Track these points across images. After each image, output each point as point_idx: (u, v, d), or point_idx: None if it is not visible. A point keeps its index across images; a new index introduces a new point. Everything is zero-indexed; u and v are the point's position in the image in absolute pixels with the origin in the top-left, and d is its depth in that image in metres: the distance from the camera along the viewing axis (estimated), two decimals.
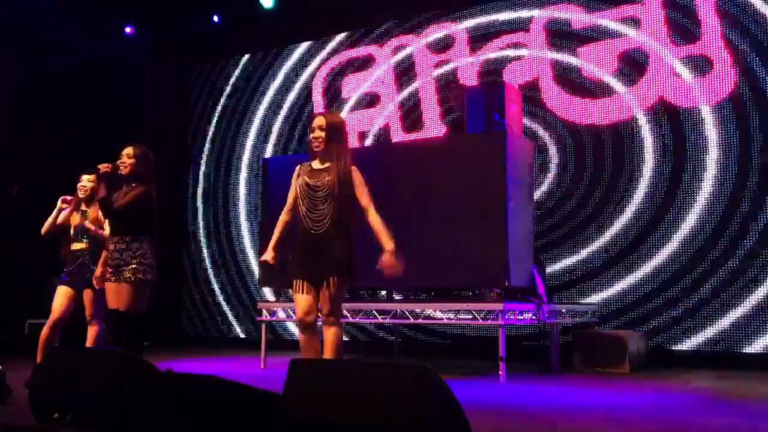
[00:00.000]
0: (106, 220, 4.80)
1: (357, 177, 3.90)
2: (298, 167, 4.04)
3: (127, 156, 4.64)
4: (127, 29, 9.64)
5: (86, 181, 5.04)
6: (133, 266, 4.36)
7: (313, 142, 3.95)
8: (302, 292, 3.88)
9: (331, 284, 3.83)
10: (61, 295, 4.92)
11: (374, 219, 3.87)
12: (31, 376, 4.52)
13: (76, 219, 5.03)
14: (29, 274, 8.07)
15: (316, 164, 3.96)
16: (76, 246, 4.97)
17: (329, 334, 3.87)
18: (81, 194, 5.01)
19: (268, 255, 3.96)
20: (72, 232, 5.01)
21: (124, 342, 4.31)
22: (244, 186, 9.56)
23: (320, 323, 3.93)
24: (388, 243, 3.81)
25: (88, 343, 4.86)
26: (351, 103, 8.87)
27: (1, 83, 8.11)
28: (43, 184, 7.79)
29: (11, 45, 8.23)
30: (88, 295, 4.91)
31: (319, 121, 3.95)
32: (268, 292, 8.44)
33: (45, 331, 4.83)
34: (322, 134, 3.91)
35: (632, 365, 6.09)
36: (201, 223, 9.87)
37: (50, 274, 8.30)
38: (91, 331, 4.91)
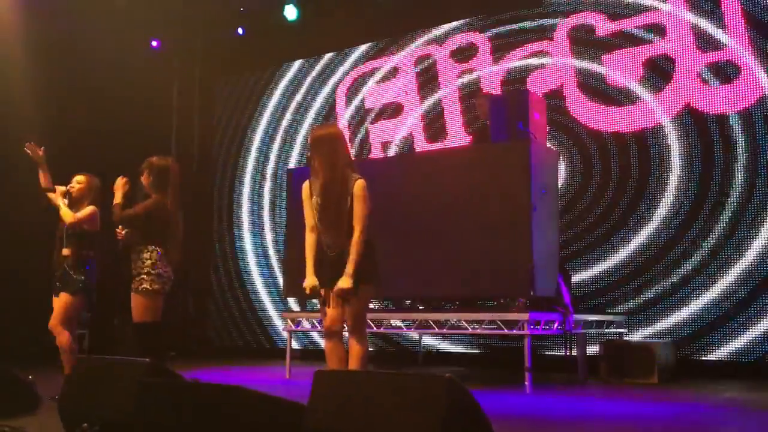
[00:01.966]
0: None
1: (358, 191, 3.81)
2: (306, 185, 3.98)
3: (77, 182, 4.98)
4: (153, 42, 9.77)
5: (75, 182, 5.08)
6: (143, 276, 4.40)
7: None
8: (328, 303, 3.89)
9: (355, 296, 3.83)
10: (54, 303, 4.94)
11: (355, 241, 3.75)
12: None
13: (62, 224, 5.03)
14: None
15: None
16: (64, 252, 4.98)
17: (354, 345, 3.88)
18: (71, 192, 5.04)
19: (310, 281, 3.87)
20: (61, 238, 5.01)
21: (143, 353, 4.32)
22: (269, 196, 9.61)
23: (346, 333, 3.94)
24: (350, 267, 3.72)
25: (62, 356, 4.82)
26: (374, 113, 8.90)
27: (25, 97, 8.23)
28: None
29: (38, 58, 8.35)
30: (57, 301, 4.88)
31: (309, 139, 3.95)
32: (292, 302, 8.46)
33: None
34: (309, 154, 3.88)
35: (661, 376, 6.00)
36: (226, 234, 9.94)
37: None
38: (58, 343, 4.83)
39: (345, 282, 3.73)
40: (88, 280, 4.94)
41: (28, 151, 5.09)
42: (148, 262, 4.42)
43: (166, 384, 3.09)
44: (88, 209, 5.01)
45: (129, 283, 4.55)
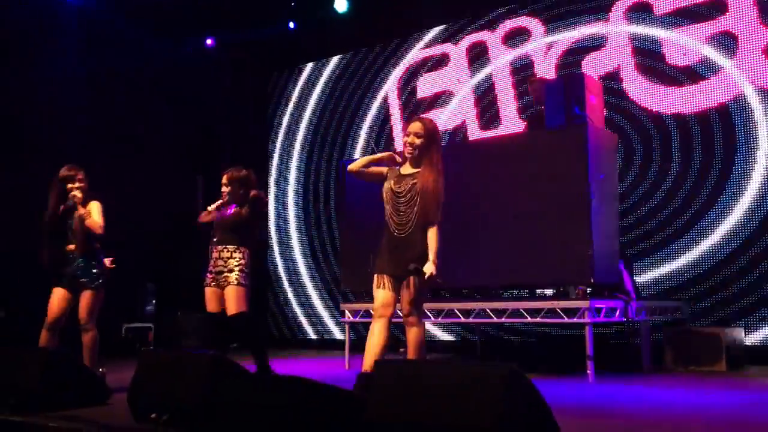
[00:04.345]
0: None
1: (439, 187, 3.90)
2: (385, 168, 4.09)
3: (79, 181, 4.90)
4: (208, 41, 9.93)
5: (77, 181, 4.94)
6: (236, 272, 4.83)
7: (406, 147, 3.96)
8: (383, 287, 3.91)
9: (412, 283, 3.84)
10: (57, 296, 4.81)
11: (432, 235, 3.86)
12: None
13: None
14: (126, 279, 8.39)
15: (404, 169, 3.97)
16: (71, 246, 4.89)
17: (412, 333, 3.89)
18: (78, 194, 4.89)
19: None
20: (69, 232, 4.89)
21: (240, 344, 4.56)
22: (324, 189, 9.69)
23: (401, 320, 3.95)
24: (433, 255, 3.83)
25: (85, 352, 4.76)
26: (427, 102, 8.86)
27: (82, 93, 8.47)
28: (128, 193, 8.11)
29: (92, 56, 8.58)
30: (85, 297, 4.79)
31: (415, 127, 3.96)
32: (350, 294, 8.52)
33: (43, 333, 4.75)
34: (418, 141, 3.92)
35: (729, 363, 5.83)
36: (284, 227, 10.07)
37: (146, 278, 8.66)
38: (86, 339, 4.78)
39: (431, 267, 3.81)
40: (105, 272, 4.92)
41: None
42: (242, 260, 4.87)
43: (230, 376, 3.16)
44: (98, 206, 4.92)
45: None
